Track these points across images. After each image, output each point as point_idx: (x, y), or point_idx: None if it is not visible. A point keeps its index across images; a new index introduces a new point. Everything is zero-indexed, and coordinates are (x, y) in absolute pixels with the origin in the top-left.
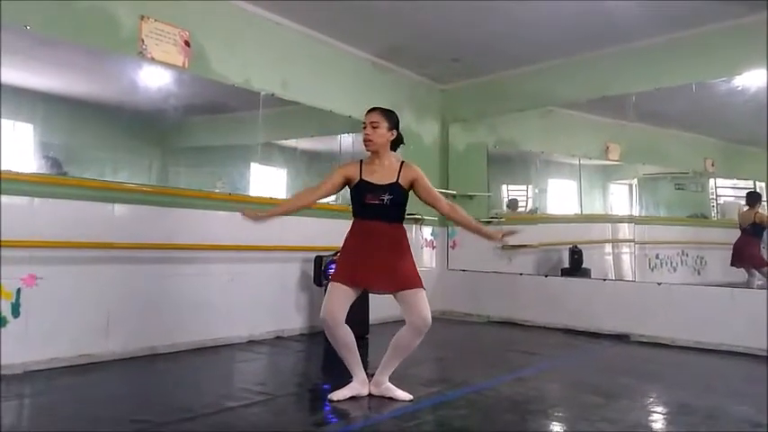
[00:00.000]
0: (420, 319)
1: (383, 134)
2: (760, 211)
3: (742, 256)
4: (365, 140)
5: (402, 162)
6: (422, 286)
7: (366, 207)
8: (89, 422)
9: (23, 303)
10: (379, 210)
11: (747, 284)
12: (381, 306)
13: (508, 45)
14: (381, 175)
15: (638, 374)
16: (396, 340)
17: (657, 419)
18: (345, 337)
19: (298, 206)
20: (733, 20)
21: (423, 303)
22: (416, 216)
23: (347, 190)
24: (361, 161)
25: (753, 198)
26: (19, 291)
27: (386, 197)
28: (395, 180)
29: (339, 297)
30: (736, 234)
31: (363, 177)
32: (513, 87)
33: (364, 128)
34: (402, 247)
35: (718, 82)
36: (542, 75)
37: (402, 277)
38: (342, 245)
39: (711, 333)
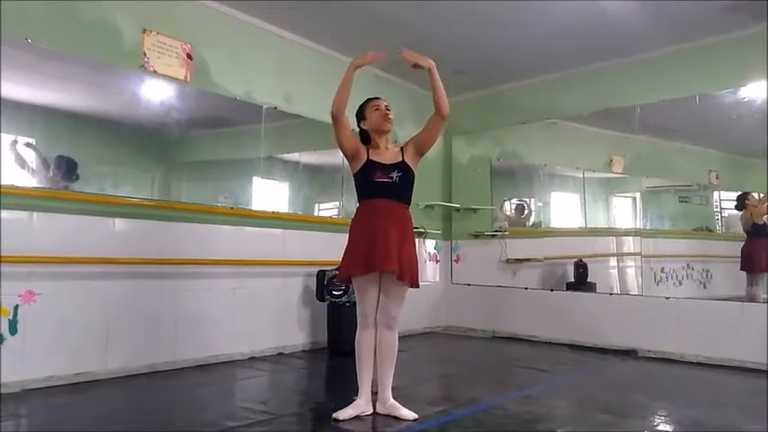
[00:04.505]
0: (390, 318)
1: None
2: (752, 208)
3: (751, 259)
4: (387, 120)
5: (400, 147)
6: (415, 284)
7: (375, 186)
8: None
9: (21, 320)
10: (387, 188)
11: (749, 296)
12: None
13: (512, 58)
14: (388, 156)
15: (648, 391)
16: (379, 348)
17: None
18: (369, 343)
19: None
20: (738, 31)
21: (401, 301)
22: (420, 230)
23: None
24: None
25: (739, 200)
26: (17, 307)
27: (395, 174)
28: (401, 159)
29: (367, 293)
30: (740, 247)
31: (371, 158)
32: (516, 100)
33: (376, 109)
34: (408, 232)
35: (722, 93)
36: (546, 87)
37: (404, 267)
38: (349, 231)
39: (721, 348)
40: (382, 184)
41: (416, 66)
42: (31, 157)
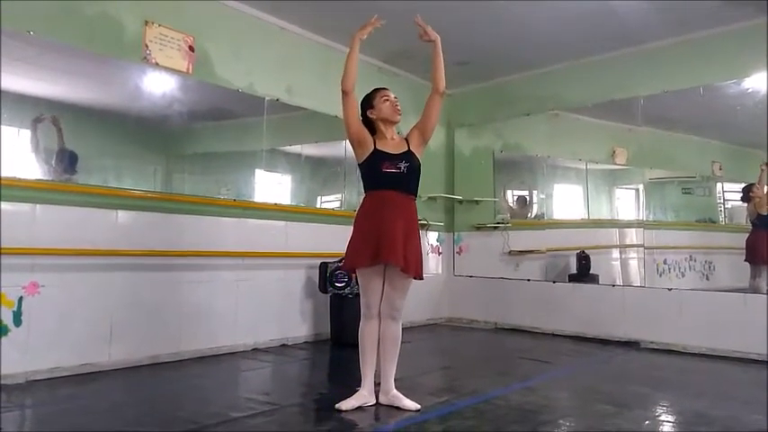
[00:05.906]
0: (394, 310)
1: None
2: (756, 199)
3: (755, 251)
4: (397, 110)
5: (404, 137)
6: (419, 276)
7: (383, 176)
8: None
9: (25, 312)
10: (395, 179)
11: (752, 287)
12: None
13: (515, 49)
14: (394, 146)
15: (651, 382)
16: (382, 339)
17: (673, 430)
18: (372, 334)
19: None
20: (741, 22)
21: (405, 293)
22: (422, 222)
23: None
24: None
25: (744, 192)
26: (21, 299)
27: (403, 165)
28: (407, 149)
29: (371, 284)
30: (743, 238)
31: (378, 147)
32: (519, 91)
33: (386, 99)
34: (414, 225)
35: (726, 84)
36: (549, 78)
37: (410, 260)
38: (354, 223)
39: (724, 339)
40: (390, 175)
41: (424, 35)
42: (51, 135)
